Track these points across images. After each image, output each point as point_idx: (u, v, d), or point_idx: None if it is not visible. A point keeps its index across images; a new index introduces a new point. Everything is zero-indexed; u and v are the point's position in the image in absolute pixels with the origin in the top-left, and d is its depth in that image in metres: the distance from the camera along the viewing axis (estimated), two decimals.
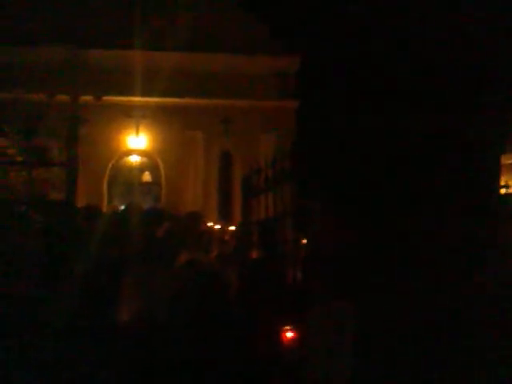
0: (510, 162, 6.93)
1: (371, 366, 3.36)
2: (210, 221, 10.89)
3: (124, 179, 15.97)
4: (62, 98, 13.42)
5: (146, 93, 14.52)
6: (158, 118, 15.17)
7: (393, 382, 3.35)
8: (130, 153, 16.11)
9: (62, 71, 13.84)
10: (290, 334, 3.35)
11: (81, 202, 11.53)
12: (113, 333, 3.11)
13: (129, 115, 15.17)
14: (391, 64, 4.24)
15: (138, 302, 3.35)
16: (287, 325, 3.45)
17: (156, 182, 16.16)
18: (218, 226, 10.18)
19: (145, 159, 16.30)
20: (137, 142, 15.79)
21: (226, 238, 7.65)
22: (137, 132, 15.65)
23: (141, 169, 16.40)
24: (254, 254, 5.24)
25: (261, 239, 4.79)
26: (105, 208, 14.09)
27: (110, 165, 15.81)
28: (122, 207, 14.57)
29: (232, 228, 9.49)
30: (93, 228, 5.12)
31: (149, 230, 4.71)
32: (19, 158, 10.00)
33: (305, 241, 4.61)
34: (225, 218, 14.10)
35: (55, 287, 3.61)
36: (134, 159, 16.31)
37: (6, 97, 13.96)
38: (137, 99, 14.82)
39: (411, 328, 3.41)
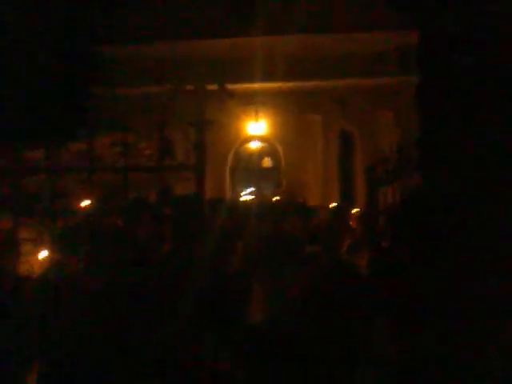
0: None
1: None
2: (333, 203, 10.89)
3: (245, 165, 16.33)
4: (187, 88, 13.91)
5: (264, 78, 14.67)
6: (276, 103, 15.27)
7: None
8: (250, 139, 16.41)
9: (186, 63, 14.44)
10: None
11: (207, 190, 11.93)
12: (243, 333, 3.15)
13: (248, 102, 15.38)
14: None
15: (267, 301, 3.37)
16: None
17: (276, 167, 16.36)
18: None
19: (264, 145, 16.55)
20: (256, 128, 16.02)
21: (352, 224, 7.54)
22: (256, 118, 15.87)
23: (261, 154, 16.68)
24: (383, 243, 5.15)
25: (389, 229, 4.70)
26: (229, 196, 14.59)
27: (232, 152, 16.21)
28: (246, 194, 14.94)
29: (355, 210, 9.39)
30: (220, 221, 5.26)
31: (278, 223, 4.78)
32: (148, 152, 10.45)
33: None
34: (347, 200, 13.99)
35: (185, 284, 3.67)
36: (255, 145, 16.62)
37: (131, 92, 14.80)
38: (255, 85, 15.00)
39: None
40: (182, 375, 2.93)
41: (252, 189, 15.75)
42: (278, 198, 13.37)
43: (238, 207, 7.32)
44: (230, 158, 16.20)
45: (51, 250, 4.81)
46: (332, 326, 3.25)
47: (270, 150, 16.52)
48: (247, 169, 16.35)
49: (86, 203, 6.66)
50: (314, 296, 3.31)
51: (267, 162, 16.87)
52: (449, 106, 4.31)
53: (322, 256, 4.11)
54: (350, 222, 7.83)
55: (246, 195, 15.39)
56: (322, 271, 3.73)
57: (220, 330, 3.17)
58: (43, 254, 5.24)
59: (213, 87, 13.80)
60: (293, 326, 2.95)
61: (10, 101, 13.39)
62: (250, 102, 15.34)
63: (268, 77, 14.62)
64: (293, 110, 15.18)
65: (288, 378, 2.78)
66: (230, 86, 14.77)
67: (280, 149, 16.03)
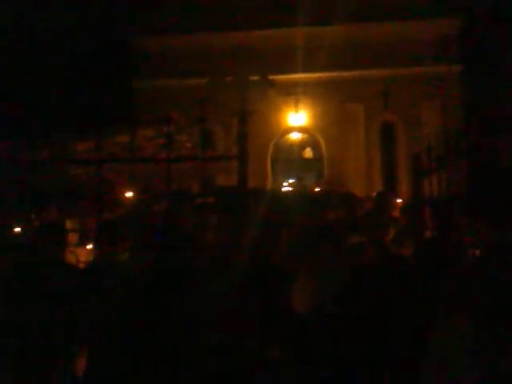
0: None
1: None
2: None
3: (286, 156, 16.25)
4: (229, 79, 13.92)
5: (304, 69, 14.58)
6: (316, 93, 15.16)
7: None
8: (290, 130, 16.33)
9: (227, 54, 14.47)
10: None
11: (248, 180, 11.87)
12: (285, 322, 3.12)
13: (288, 93, 15.29)
14: None
15: (311, 290, 3.32)
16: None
17: (317, 157, 16.24)
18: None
19: (305, 135, 16.44)
20: (296, 119, 15.93)
21: (396, 214, 7.41)
22: (296, 109, 15.79)
23: (302, 145, 16.59)
24: (427, 234, 5.05)
25: (435, 219, 4.60)
26: (271, 186, 14.57)
27: (273, 142, 16.15)
28: (286, 186, 14.87)
29: (399, 201, 9.22)
30: (263, 211, 5.24)
31: (319, 213, 4.74)
32: (188, 144, 10.48)
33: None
34: (390, 190, 13.79)
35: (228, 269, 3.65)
36: (295, 136, 16.52)
37: (171, 83, 14.92)
38: (296, 76, 14.93)
39: None
40: (230, 362, 2.94)
41: (293, 180, 15.70)
42: (318, 188, 13.31)
43: (280, 197, 7.31)
44: (271, 148, 16.15)
45: (96, 240, 4.88)
46: (381, 315, 3.20)
47: (310, 141, 16.41)
48: (288, 160, 16.26)
49: (129, 194, 6.75)
50: (362, 286, 3.26)
51: (308, 153, 16.77)
52: (493, 93, 4.20)
53: (368, 246, 4.05)
54: (394, 213, 7.70)
55: (288, 186, 15.34)
56: (368, 261, 3.68)
57: (265, 317, 3.16)
58: (89, 245, 5.33)
59: (254, 78, 13.77)
60: (337, 315, 2.91)
61: (56, 95, 13.65)
62: (291, 92, 15.26)
63: (310, 67, 14.52)
64: (333, 101, 15.04)
65: (332, 368, 2.75)
66: (271, 77, 14.72)
67: (321, 140, 15.89)
